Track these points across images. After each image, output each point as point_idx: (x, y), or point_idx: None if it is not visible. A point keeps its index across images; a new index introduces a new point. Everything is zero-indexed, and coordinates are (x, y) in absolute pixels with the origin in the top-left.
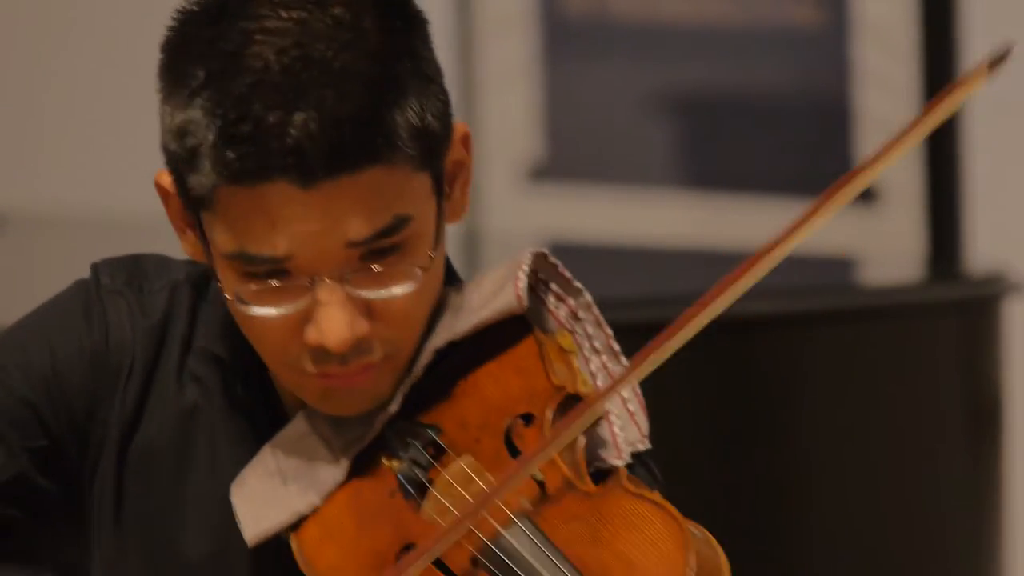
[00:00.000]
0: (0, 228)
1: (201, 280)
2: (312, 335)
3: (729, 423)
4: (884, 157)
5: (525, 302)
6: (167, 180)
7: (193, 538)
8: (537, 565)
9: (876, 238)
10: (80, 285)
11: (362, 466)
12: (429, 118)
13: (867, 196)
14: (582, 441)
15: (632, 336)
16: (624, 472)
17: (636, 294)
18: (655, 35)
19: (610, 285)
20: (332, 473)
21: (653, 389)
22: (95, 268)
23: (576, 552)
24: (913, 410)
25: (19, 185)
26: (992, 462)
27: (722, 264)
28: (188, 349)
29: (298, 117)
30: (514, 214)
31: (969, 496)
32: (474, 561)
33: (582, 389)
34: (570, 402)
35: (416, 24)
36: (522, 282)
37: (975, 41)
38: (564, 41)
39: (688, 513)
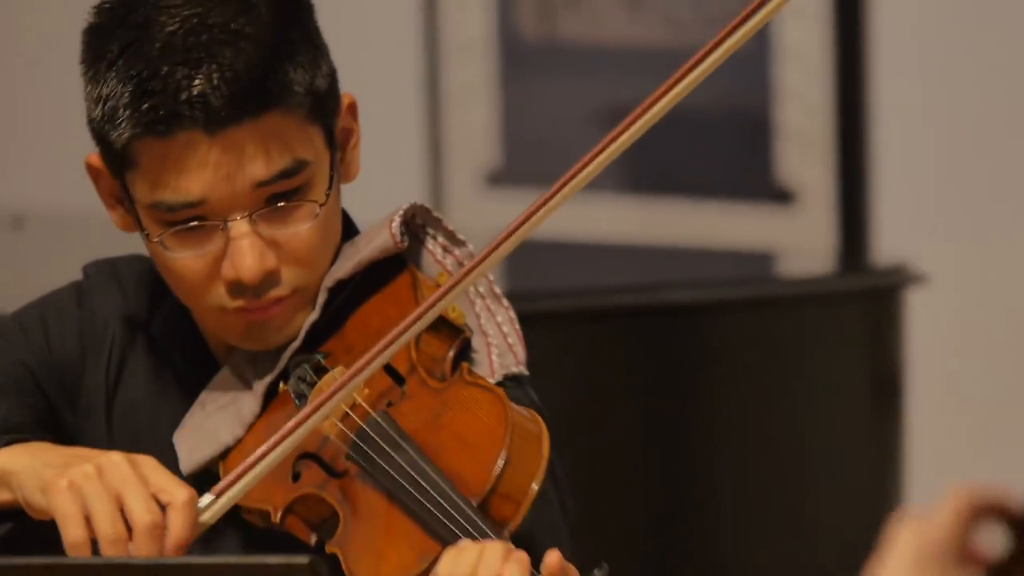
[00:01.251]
0: (17, 227)
1: (145, 282)
2: (228, 270)
3: (660, 401)
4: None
5: (399, 239)
6: (95, 158)
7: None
8: (388, 448)
9: (792, 235)
10: (74, 283)
11: (273, 398)
12: (319, 78)
13: (784, 197)
14: (450, 355)
15: (577, 320)
16: (466, 367)
17: (581, 284)
18: (599, 57)
19: (557, 276)
20: (251, 407)
21: (590, 370)
22: (85, 269)
23: (422, 436)
24: (825, 387)
25: (35, 187)
26: (893, 435)
27: (657, 257)
28: (142, 332)
29: (201, 72)
30: (474, 215)
31: (873, 463)
32: (345, 455)
33: (450, 315)
34: (439, 325)
35: (302, 2)
36: (395, 223)
37: (883, 62)
38: (519, 62)
39: (623, 479)
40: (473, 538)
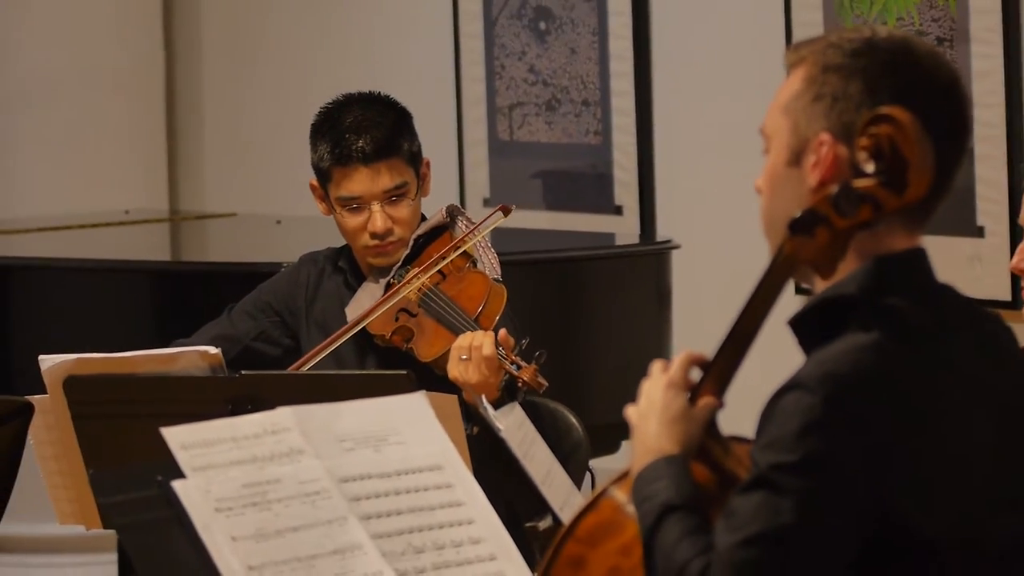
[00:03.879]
0: (278, 224)
1: (334, 251)
2: (370, 227)
3: (560, 299)
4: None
5: (445, 218)
6: (313, 180)
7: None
8: (436, 299)
9: (621, 227)
10: (294, 263)
11: (388, 288)
12: (414, 146)
13: (618, 211)
14: (467, 264)
15: (521, 265)
16: (470, 266)
17: (523, 248)
18: (534, 148)
19: (515, 245)
20: (379, 292)
21: (525, 286)
22: (300, 257)
23: (452, 294)
24: (634, 299)
25: (288, 200)
26: (666, 325)
27: (560, 236)
28: (334, 271)
29: (363, 138)
30: (477, 219)
31: (655, 339)
32: (417, 305)
33: (468, 251)
34: (463, 255)
35: (406, 113)
36: (444, 210)
37: (664, 154)
38: (498, 150)
39: (537, 337)
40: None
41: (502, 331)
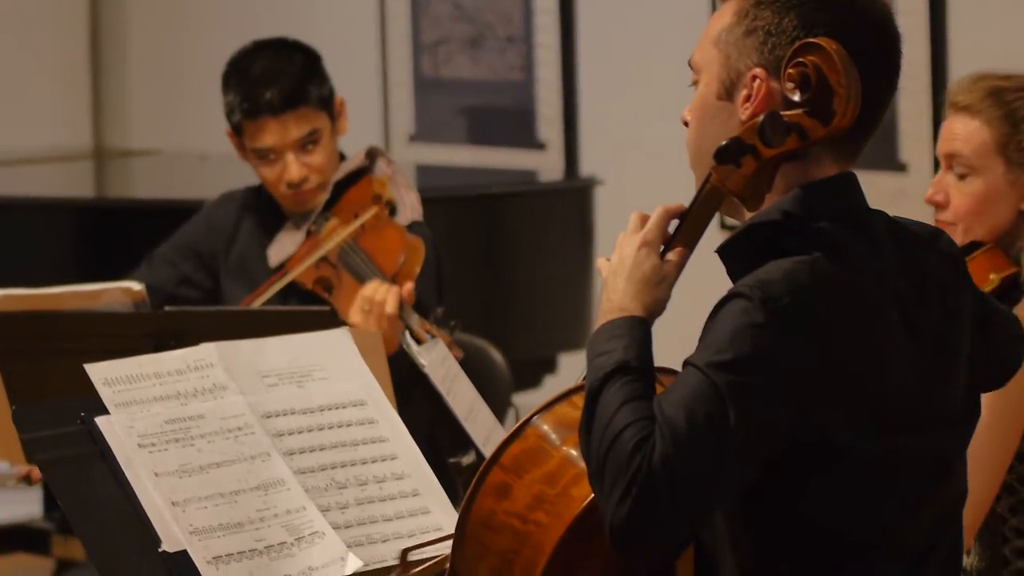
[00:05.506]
0: (203, 160)
1: (251, 191)
2: (286, 176)
3: (484, 237)
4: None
5: (364, 161)
6: (229, 130)
7: (263, 273)
8: (353, 254)
9: (545, 163)
10: (212, 202)
11: (309, 235)
12: (324, 90)
13: (542, 147)
14: (385, 213)
15: (441, 202)
16: (390, 218)
17: (441, 184)
18: (458, 84)
19: (430, 178)
20: (300, 238)
21: (448, 223)
22: (220, 196)
23: (369, 249)
24: (558, 231)
25: (212, 136)
26: (588, 252)
27: (484, 173)
28: (251, 211)
29: (270, 88)
30: (401, 156)
31: (578, 264)
32: (337, 257)
33: (387, 196)
34: (383, 202)
35: (315, 56)
36: (363, 153)
37: (587, 93)
38: (423, 86)
39: (459, 275)
40: None
41: (407, 286)
